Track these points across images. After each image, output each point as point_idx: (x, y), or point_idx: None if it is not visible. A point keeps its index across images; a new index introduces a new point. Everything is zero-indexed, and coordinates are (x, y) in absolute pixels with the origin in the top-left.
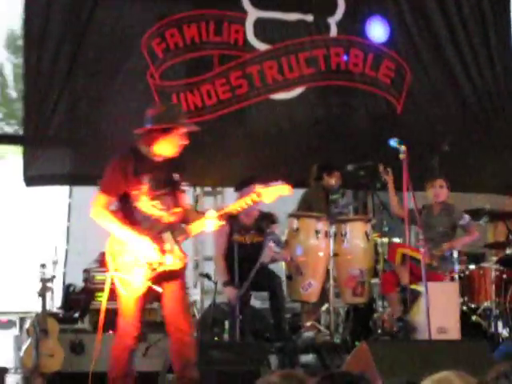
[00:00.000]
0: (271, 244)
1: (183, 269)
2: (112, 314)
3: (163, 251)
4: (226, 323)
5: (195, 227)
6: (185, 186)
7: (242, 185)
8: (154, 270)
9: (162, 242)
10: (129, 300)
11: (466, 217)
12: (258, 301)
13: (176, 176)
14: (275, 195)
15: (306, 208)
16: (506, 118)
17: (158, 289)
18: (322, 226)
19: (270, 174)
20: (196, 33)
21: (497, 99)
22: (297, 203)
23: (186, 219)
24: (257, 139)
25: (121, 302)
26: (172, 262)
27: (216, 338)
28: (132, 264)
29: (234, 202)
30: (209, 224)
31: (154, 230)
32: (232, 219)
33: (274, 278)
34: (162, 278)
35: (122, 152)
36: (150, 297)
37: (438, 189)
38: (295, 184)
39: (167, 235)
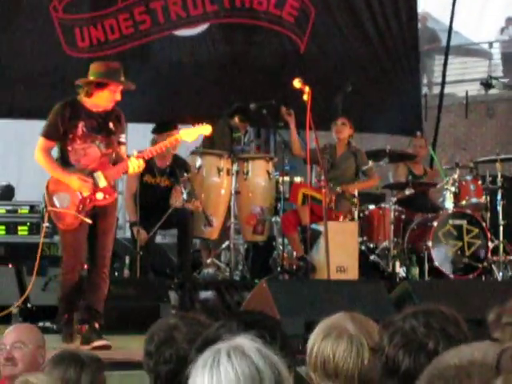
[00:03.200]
0: (181, 188)
1: (113, 204)
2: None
3: (94, 188)
4: (127, 258)
5: (120, 168)
6: (123, 138)
7: (161, 128)
8: (86, 204)
9: (93, 180)
10: (66, 234)
11: (370, 163)
12: (159, 236)
13: (111, 125)
14: (196, 135)
15: (209, 145)
16: (408, 60)
17: (88, 220)
18: (224, 163)
19: (173, 111)
20: None
21: (398, 38)
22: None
23: (116, 162)
24: (160, 75)
25: (61, 238)
26: (102, 198)
27: (116, 274)
28: (66, 200)
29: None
30: (131, 165)
31: (87, 169)
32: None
33: (185, 215)
34: (94, 213)
35: (63, 100)
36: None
37: (340, 126)
38: (198, 120)
39: (98, 174)
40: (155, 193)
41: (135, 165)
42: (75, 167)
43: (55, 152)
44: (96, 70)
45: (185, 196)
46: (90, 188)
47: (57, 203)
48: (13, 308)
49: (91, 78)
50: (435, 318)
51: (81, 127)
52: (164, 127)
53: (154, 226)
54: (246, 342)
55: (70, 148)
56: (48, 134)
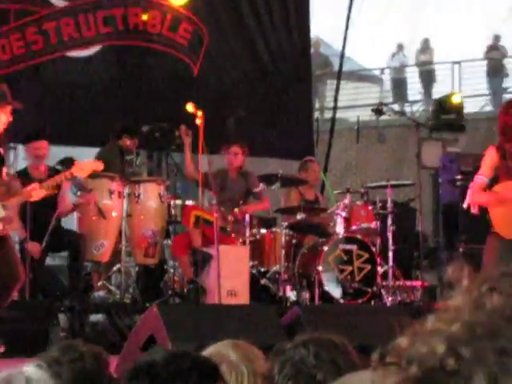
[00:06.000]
0: (65, 195)
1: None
2: None
3: None
4: None
5: (21, 198)
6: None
7: (28, 138)
8: None
9: None
10: None
11: (261, 185)
12: (49, 257)
13: (1, 151)
14: (89, 170)
15: None
16: (300, 85)
17: None
18: (115, 186)
19: (64, 132)
20: None
21: (291, 62)
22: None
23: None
24: (52, 95)
25: None
26: (1, 228)
27: None
28: None
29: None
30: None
31: None
32: (22, 177)
33: (76, 237)
34: None
35: None
36: None
37: (233, 156)
38: (90, 142)
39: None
40: (40, 205)
41: (38, 194)
42: None
43: None
44: None
45: (75, 192)
46: None
47: None
48: None
49: None
50: (325, 348)
51: None
52: (29, 137)
53: (42, 240)
54: (27, 372)
55: None
56: None
